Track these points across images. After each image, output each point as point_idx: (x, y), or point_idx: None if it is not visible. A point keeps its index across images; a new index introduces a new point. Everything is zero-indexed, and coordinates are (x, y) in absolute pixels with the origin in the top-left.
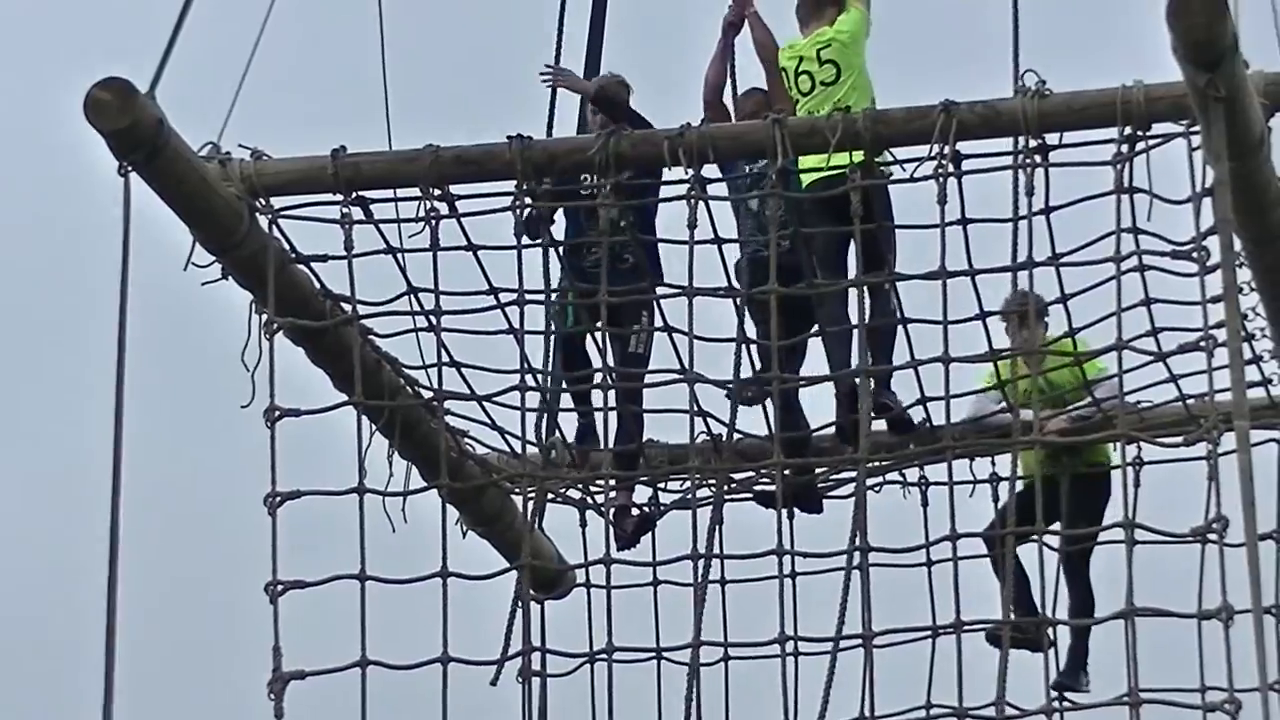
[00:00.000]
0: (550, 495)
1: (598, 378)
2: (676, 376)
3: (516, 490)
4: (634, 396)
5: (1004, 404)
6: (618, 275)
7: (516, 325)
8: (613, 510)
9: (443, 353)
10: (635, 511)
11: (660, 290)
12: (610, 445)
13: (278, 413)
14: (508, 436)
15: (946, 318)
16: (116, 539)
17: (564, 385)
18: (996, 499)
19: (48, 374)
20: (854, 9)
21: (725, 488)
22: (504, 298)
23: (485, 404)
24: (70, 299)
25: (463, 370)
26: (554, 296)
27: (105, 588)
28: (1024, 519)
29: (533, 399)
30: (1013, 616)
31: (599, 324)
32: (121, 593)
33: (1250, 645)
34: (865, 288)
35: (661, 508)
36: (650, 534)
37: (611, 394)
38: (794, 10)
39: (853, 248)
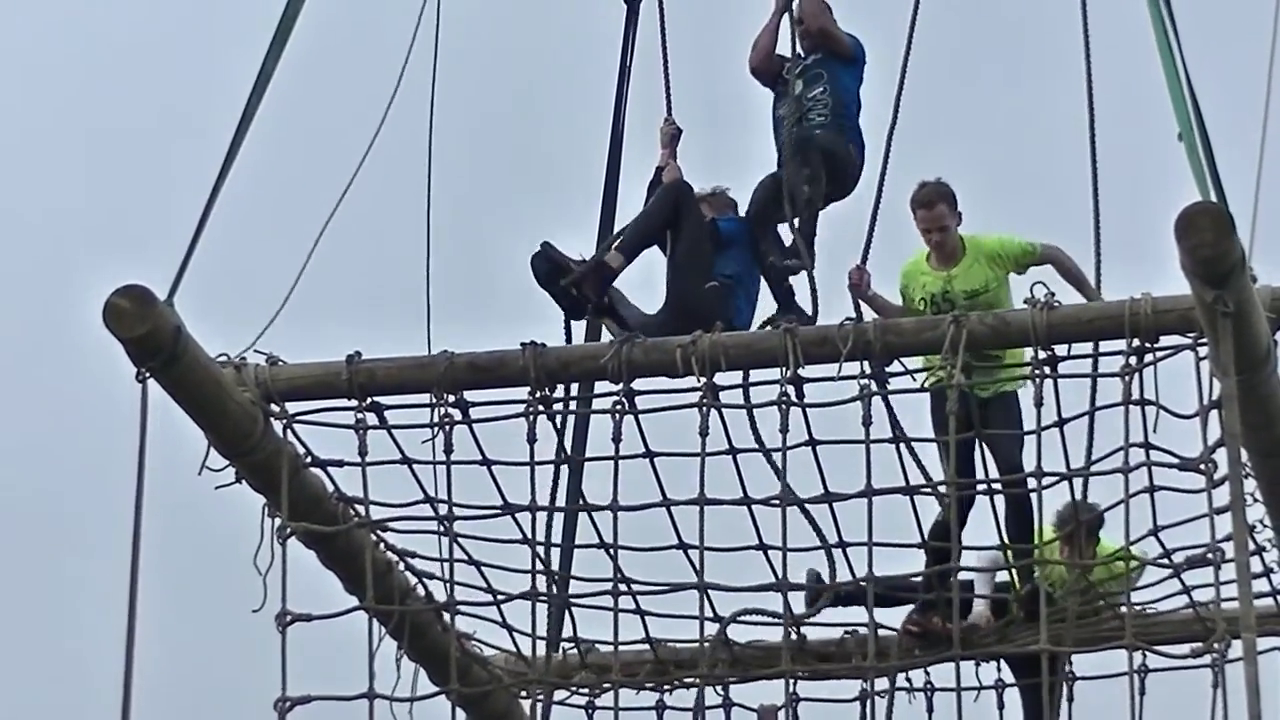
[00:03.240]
0: (557, 698)
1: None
2: (689, 583)
3: (524, 695)
4: None
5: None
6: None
7: (528, 532)
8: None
9: (455, 558)
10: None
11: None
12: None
13: (289, 617)
14: (516, 636)
15: (959, 538)
16: None
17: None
18: (1002, 706)
19: (61, 575)
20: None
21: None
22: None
23: (496, 604)
24: (86, 500)
25: (480, 568)
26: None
27: None
28: None
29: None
30: None
31: None
32: None
33: None
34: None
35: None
36: None
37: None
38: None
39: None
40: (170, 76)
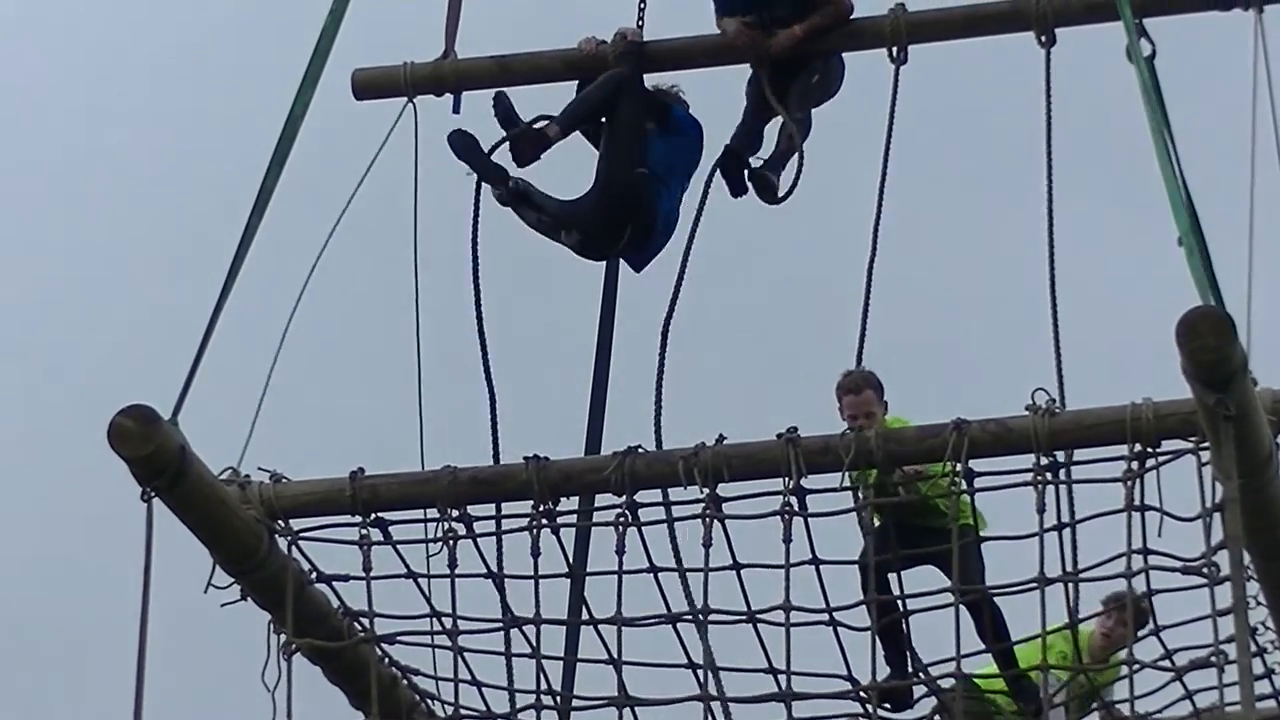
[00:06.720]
0: None
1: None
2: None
3: None
4: None
5: None
6: None
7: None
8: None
9: (460, 672)
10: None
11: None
12: None
13: None
14: None
15: (959, 645)
16: None
17: None
18: None
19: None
20: None
21: None
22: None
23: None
24: (91, 619)
25: (481, 689)
26: None
27: None
28: None
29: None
30: None
31: None
32: None
33: None
34: None
35: None
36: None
37: None
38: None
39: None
40: (169, 193)
